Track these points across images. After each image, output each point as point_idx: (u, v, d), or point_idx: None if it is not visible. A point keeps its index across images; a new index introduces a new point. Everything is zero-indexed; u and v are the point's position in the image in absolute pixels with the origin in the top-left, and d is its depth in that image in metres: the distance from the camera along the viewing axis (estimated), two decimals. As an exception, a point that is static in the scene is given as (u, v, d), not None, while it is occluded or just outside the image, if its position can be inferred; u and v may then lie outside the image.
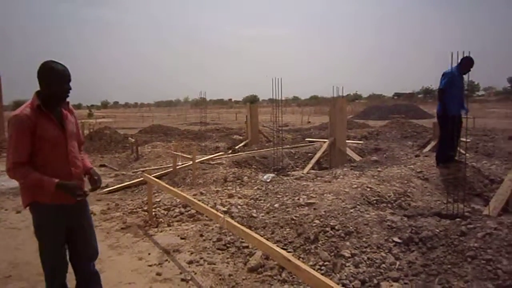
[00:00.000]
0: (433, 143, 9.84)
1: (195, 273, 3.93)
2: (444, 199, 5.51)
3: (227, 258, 4.24)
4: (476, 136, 14.07)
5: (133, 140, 12.84)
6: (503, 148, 10.52)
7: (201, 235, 4.93)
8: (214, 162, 9.43)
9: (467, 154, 8.78)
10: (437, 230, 3.76)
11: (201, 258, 4.24)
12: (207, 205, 5.78)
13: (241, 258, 4.17)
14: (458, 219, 4.05)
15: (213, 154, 11.08)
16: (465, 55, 6.12)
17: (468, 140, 11.72)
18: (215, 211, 3.76)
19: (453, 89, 6.63)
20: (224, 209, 5.69)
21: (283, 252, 2.54)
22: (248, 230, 3.07)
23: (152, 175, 6.79)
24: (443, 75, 6.81)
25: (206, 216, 5.03)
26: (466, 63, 6.45)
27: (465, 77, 6.70)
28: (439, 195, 5.96)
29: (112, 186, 8.04)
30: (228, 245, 4.51)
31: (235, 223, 3.30)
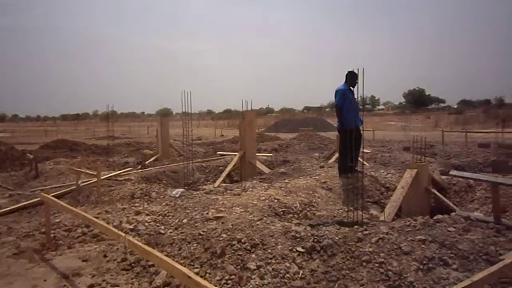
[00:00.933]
0: (337, 155, 10.40)
1: (96, 298, 3.70)
2: (346, 208, 5.84)
3: (132, 278, 4.06)
4: (375, 147, 15.17)
5: (32, 156, 11.88)
6: (398, 158, 11.45)
7: (105, 256, 4.67)
8: (121, 178, 9.04)
9: (366, 164, 9.43)
10: (337, 238, 3.96)
11: (103, 281, 4.01)
12: (112, 223, 5.53)
13: (147, 278, 4.02)
14: (356, 226, 4.31)
15: (121, 169, 10.63)
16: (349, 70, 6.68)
17: (368, 151, 12.61)
18: (115, 230, 3.58)
19: (347, 103, 7.11)
20: (131, 226, 5.46)
21: (184, 269, 2.49)
22: (148, 248, 2.97)
23: (52, 194, 6.32)
24: (336, 92, 7.26)
25: (109, 236, 4.78)
26: (351, 77, 7.01)
27: (361, 91, 7.15)
28: (342, 204, 6.30)
29: (5, 208, 7.33)
30: (134, 265, 4.32)
31: (136, 242, 3.17)
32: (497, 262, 3.33)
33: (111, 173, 9.63)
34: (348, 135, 6.97)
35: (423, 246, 3.66)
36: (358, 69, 5.00)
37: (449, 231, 4.00)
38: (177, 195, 6.78)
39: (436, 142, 16.99)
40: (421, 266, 3.39)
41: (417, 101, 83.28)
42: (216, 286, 3.61)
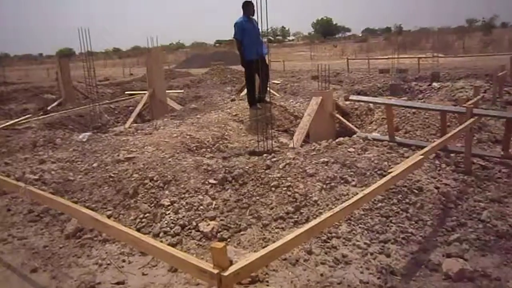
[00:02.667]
0: (248, 87, 10.50)
1: (3, 253, 3.52)
2: (257, 138, 6.01)
3: (41, 229, 3.90)
4: (285, 77, 15.51)
5: None
6: (307, 87, 11.86)
7: (9, 210, 4.39)
8: (20, 127, 8.36)
9: (276, 95, 9.67)
10: (247, 167, 4.10)
11: (9, 235, 3.80)
12: (14, 175, 5.18)
13: (58, 226, 3.88)
14: (265, 155, 4.48)
15: (19, 117, 9.79)
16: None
17: (278, 82, 12.88)
18: (14, 182, 3.37)
19: (246, 35, 7.08)
20: (35, 177, 5.14)
21: (90, 212, 2.44)
22: (52, 196, 2.85)
23: None
24: (234, 25, 7.19)
25: (8, 188, 4.49)
26: (247, 7, 6.96)
27: (265, 21, 7.02)
28: (253, 135, 6.47)
29: None
30: (42, 215, 4.13)
31: (39, 191, 3.02)
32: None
33: (8, 122, 8.86)
34: (253, 66, 7.01)
35: (326, 167, 3.93)
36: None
37: (349, 151, 4.32)
38: (84, 140, 6.47)
39: (342, 70, 17.78)
40: (324, 186, 3.67)
41: (325, 30, 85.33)
42: (131, 225, 3.62)
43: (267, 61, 7.18)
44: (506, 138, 4.67)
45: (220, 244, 1.66)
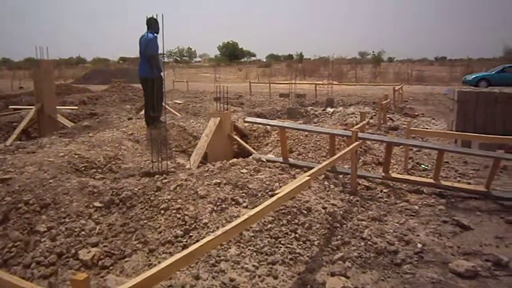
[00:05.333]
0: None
1: None
2: (153, 159, 5.79)
3: None
4: (189, 98, 15.41)
5: None
6: (209, 108, 11.87)
7: None
8: None
9: (178, 115, 9.51)
10: (136, 189, 3.90)
11: None
12: None
13: None
14: (156, 176, 4.31)
15: None
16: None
17: (180, 102, 12.74)
18: None
19: (139, 51, 6.99)
20: None
21: None
22: None
23: None
24: (149, 40, 7.02)
25: None
26: (155, 24, 6.88)
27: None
28: (149, 155, 6.24)
29: None
30: None
31: None
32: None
33: None
34: (147, 84, 6.87)
35: (218, 188, 3.89)
36: (156, 15, 4.84)
37: (242, 172, 4.34)
38: (-50, 158, 5.68)
39: (245, 92, 18.19)
40: (215, 208, 3.61)
41: (231, 54, 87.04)
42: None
43: (155, 82, 6.93)
44: (386, 160, 5.06)
45: (82, 276, 1.50)
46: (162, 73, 7.06)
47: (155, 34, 6.99)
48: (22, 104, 12.78)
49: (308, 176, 3.34)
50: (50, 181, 4.24)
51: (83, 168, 5.30)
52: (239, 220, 2.39)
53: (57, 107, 9.46)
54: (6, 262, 3.12)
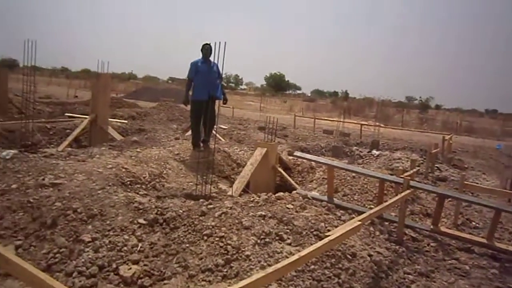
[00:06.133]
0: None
1: None
2: (196, 181, 5.80)
3: None
4: (233, 124, 15.57)
5: None
6: (252, 136, 11.92)
7: None
8: None
9: (222, 140, 9.59)
10: (181, 211, 3.89)
11: None
12: None
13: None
14: (201, 200, 4.30)
15: None
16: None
17: (225, 127, 12.87)
18: None
19: (199, 76, 7.13)
20: None
21: (-7, 242, 2.13)
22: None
23: None
24: (190, 64, 7.27)
25: None
26: (202, 49, 7.10)
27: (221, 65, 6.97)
28: (192, 177, 6.26)
29: None
30: None
31: None
32: (324, 237, 3.65)
33: None
34: (200, 107, 7.00)
35: (262, 221, 3.82)
36: (219, 43, 4.95)
37: (287, 208, 4.25)
38: (7, 157, 5.93)
39: (289, 125, 18.20)
40: (259, 241, 3.53)
41: (277, 85, 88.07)
42: (41, 260, 3.25)
43: (216, 106, 7.12)
44: (437, 213, 4.83)
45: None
46: (220, 99, 7.20)
47: (199, 60, 7.25)
48: (76, 112, 13.31)
49: (360, 221, 3.22)
50: (99, 192, 4.31)
51: (128, 182, 5.37)
52: (290, 260, 2.30)
53: (109, 119, 9.77)
54: (50, 267, 3.16)
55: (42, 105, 15.24)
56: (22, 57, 8.03)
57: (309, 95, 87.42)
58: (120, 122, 11.65)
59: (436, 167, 9.58)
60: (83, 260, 3.22)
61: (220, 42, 5.09)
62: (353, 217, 4.55)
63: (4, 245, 3.31)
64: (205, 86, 7.03)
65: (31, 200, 4.08)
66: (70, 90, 32.85)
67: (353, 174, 6.04)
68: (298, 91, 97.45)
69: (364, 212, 4.48)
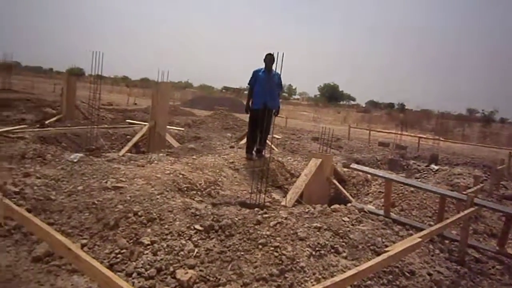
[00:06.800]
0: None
1: (-37, 264, 3.28)
2: (250, 189, 5.85)
3: (8, 246, 3.66)
4: (286, 134, 15.57)
5: None
6: (306, 147, 11.85)
7: (-21, 220, 4.16)
8: (14, 136, 8.20)
9: (275, 149, 9.61)
10: (237, 219, 3.92)
11: (-27, 248, 3.56)
12: (-6, 184, 4.96)
13: (27, 246, 3.65)
14: (256, 209, 4.32)
15: (15, 126, 9.66)
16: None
17: (278, 137, 12.89)
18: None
19: (258, 85, 7.21)
20: (16, 189, 4.93)
21: (64, 239, 2.26)
22: (27, 214, 2.66)
23: None
24: (256, 74, 7.37)
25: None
26: (265, 59, 7.15)
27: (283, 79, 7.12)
28: (246, 185, 6.32)
29: None
30: (13, 231, 3.90)
31: (14, 206, 2.84)
32: (381, 252, 3.54)
33: (2, 128, 8.71)
34: (256, 115, 7.09)
35: (318, 233, 3.77)
36: (278, 53, 4.99)
37: (343, 220, 4.17)
38: (75, 160, 6.30)
39: (343, 136, 17.92)
40: (314, 252, 3.49)
41: (330, 95, 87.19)
42: (104, 259, 3.40)
43: (272, 116, 7.19)
44: (504, 234, 4.55)
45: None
46: (275, 110, 7.27)
47: (260, 69, 7.34)
48: (136, 119, 13.88)
49: (420, 237, 3.10)
50: (157, 196, 4.46)
51: (185, 188, 5.51)
52: (348, 274, 2.25)
53: (167, 126, 10.10)
54: (112, 266, 3.29)
55: (105, 112, 16.03)
56: (87, 66, 8.54)
57: (364, 106, 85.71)
58: (177, 129, 12.01)
59: (502, 184, 9.03)
60: (142, 262, 3.33)
61: (278, 53, 5.15)
62: (411, 233, 4.39)
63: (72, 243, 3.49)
64: (261, 96, 7.13)
65: (96, 202, 4.29)
66: (130, 98, 34.32)
67: (411, 189, 5.83)
68: (352, 102, 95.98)
69: (423, 229, 4.31)
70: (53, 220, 4.02)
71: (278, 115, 7.73)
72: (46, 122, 11.50)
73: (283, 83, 7.31)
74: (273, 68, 7.14)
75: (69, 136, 9.25)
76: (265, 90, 7.09)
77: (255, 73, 7.33)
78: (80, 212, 4.18)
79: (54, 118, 12.33)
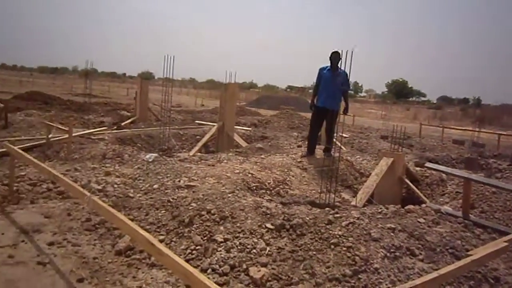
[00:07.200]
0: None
1: (55, 256, 3.55)
2: (319, 189, 5.81)
3: (95, 239, 3.93)
4: (354, 132, 15.24)
5: (2, 105, 11.43)
6: (375, 145, 11.52)
7: (69, 214, 4.50)
8: (95, 137, 8.80)
9: (343, 148, 9.44)
10: (308, 218, 3.91)
11: (64, 239, 3.86)
12: (81, 182, 5.35)
13: (110, 240, 3.91)
14: (327, 208, 4.28)
15: (96, 128, 10.36)
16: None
17: (346, 136, 12.65)
18: (81, 189, 3.44)
19: (322, 83, 7.14)
20: (99, 187, 5.29)
21: (147, 235, 2.39)
22: (113, 211, 2.85)
23: (20, 146, 6.07)
24: (322, 73, 7.31)
25: (73, 195, 4.61)
26: (330, 56, 7.03)
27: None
28: (315, 185, 6.28)
29: (-32, 155, 7.02)
30: (98, 226, 4.19)
31: (101, 203, 3.04)
32: (462, 256, 3.36)
33: (85, 130, 9.38)
34: (318, 113, 7.08)
35: (392, 234, 3.66)
36: (345, 51, 4.90)
37: (419, 222, 4.01)
38: (150, 160, 6.63)
39: (413, 134, 17.19)
40: (388, 254, 3.39)
41: (399, 92, 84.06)
42: (180, 255, 3.54)
43: (335, 115, 7.08)
44: None
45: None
46: (335, 107, 7.17)
47: (325, 67, 7.25)
48: (204, 120, 14.31)
49: (506, 241, 2.90)
50: (229, 195, 4.56)
51: (254, 187, 5.59)
52: (428, 277, 2.17)
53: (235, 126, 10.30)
54: (188, 262, 3.41)
55: (174, 113, 16.68)
56: (156, 70, 8.94)
57: (435, 102, 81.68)
58: (244, 129, 12.21)
59: None
60: (216, 258, 3.43)
61: (347, 51, 5.05)
62: (494, 237, 4.11)
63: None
64: (323, 94, 7.11)
65: (171, 200, 4.49)
66: (197, 100, 35.41)
67: (493, 189, 5.46)
68: (423, 98, 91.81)
69: (508, 233, 4.03)
70: (133, 217, 4.25)
71: (347, 114, 7.58)
72: (122, 124, 12.22)
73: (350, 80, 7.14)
74: (341, 67, 7.04)
75: (143, 137, 9.75)
76: (328, 90, 7.05)
77: (321, 70, 7.27)
78: (156, 209, 4.40)
79: (129, 120, 13.08)
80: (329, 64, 7.19)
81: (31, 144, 7.83)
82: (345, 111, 7.24)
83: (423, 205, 4.90)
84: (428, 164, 5.50)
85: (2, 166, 6.58)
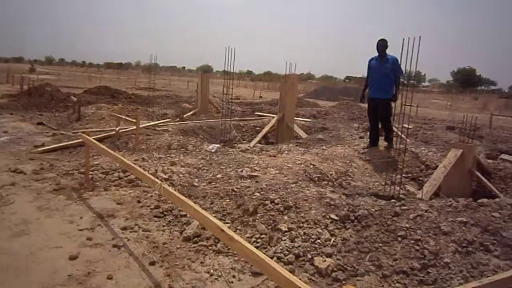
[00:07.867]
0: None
1: (128, 240, 3.78)
2: (382, 181, 5.68)
3: (163, 226, 4.12)
4: (417, 123, 14.65)
5: (76, 99, 12.19)
6: (441, 137, 10.99)
7: (139, 201, 4.76)
8: (159, 129, 9.17)
9: (407, 140, 9.12)
10: (373, 210, 3.84)
11: (136, 225, 4.09)
12: (148, 171, 5.60)
13: (178, 227, 4.07)
14: (393, 200, 4.17)
15: (160, 120, 10.78)
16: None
17: (409, 127, 12.18)
18: (152, 177, 3.60)
19: (370, 74, 6.95)
20: (165, 176, 5.52)
21: (218, 222, 2.47)
22: (184, 198, 2.96)
23: (92, 137, 6.44)
24: (372, 63, 7.13)
25: (145, 182, 4.85)
26: (378, 46, 6.77)
27: (408, 63, 6.43)
28: (378, 177, 6.14)
29: (48, 146, 7.59)
30: (166, 213, 4.38)
31: (172, 191, 3.18)
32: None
33: (150, 122, 9.78)
34: (371, 105, 6.94)
35: (463, 228, 3.50)
36: (407, 38, 4.71)
37: (493, 216, 3.79)
38: (213, 150, 6.79)
39: (483, 125, 16.21)
40: (460, 249, 3.25)
41: (466, 81, 79.36)
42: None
43: (386, 105, 6.88)
44: None
45: None
46: (384, 97, 6.96)
47: (374, 57, 7.05)
48: (263, 111, 14.40)
49: None
50: (292, 185, 4.58)
51: (316, 178, 5.57)
52: (507, 274, 2.06)
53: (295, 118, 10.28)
54: (253, 250, 3.49)
55: (234, 105, 16.92)
56: (215, 63, 9.10)
57: (507, 91, 76.40)
58: (303, 120, 12.15)
59: None
60: (281, 247, 3.47)
61: (409, 38, 4.85)
62: None
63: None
64: (374, 85, 6.95)
65: (235, 189, 4.59)
66: (256, 92, 35.63)
67: None
68: (493, 87, 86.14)
69: None
70: (199, 205, 4.39)
71: (408, 104, 7.26)
72: (184, 116, 12.60)
73: (410, 68, 6.74)
74: (392, 54, 6.84)
75: (205, 128, 10.00)
76: (375, 78, 6.90)
77: (369, 61, 7.09)
78: (221, 198, 4.51)
79: (191, 112, 13.45)
80: (377, 54, 6.98)
81: (102, 135, 8.30)
82: (394, 98, 6.91)
83: (497, 199, 4.64)
84: (503, 156, 5.18)
85: (78, 155, 7.07)
